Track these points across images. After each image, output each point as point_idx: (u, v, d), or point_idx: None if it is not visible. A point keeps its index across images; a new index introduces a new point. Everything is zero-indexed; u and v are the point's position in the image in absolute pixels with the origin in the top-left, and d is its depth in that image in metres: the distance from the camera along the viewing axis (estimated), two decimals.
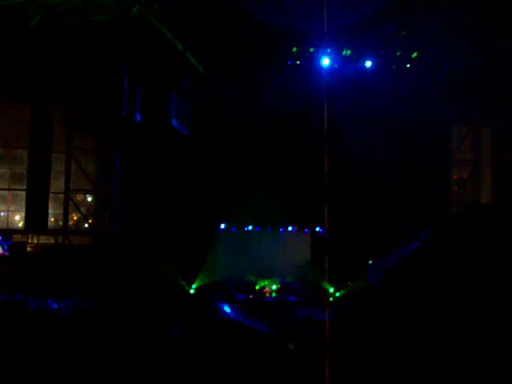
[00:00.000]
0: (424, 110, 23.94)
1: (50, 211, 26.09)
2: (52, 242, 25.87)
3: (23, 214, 25.99)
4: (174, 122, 22.40)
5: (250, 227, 25.67)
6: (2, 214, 26.33)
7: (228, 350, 15.16)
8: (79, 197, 26.54)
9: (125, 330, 16.68)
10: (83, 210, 26.38)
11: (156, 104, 22.06)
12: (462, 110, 25.73)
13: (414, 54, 24.15)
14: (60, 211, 25.86)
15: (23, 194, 25.95)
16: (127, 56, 21.88)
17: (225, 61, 23.44)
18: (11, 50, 22.73)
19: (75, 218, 26.48)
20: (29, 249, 25.32)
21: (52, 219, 26.30)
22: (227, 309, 19.32)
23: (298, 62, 24.14)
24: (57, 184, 25.83)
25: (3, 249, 23.66)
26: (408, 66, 24.33)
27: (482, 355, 11.25)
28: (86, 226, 26.43)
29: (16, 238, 25.26)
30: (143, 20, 22.13)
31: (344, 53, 23.86)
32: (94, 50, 22.31)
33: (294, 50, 23.90)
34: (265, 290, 24.61)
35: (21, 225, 26.16)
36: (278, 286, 24.72)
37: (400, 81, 23.85)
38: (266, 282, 24.79)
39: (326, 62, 22.68)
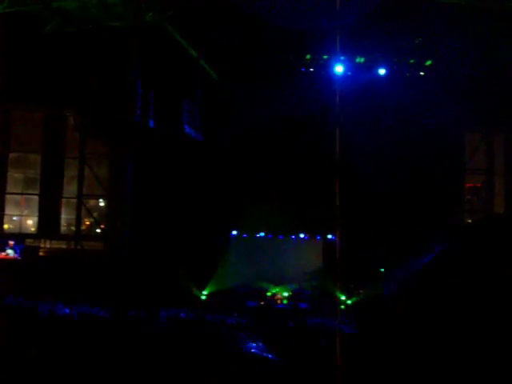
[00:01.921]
0: (437, 118, 23.89)
1: (63, 216, 26.22)
2: (64, 246, 25.97)
3: (36, 219, 26.12)
4: (187, 128, 22.45)
5: (262, 234, 25.66)
6: (15, 218, 26.46)
7: None
8: (92, 202, 26.59)
9: (134, 339, 16.62)
10: (96, 215, 26.44)
11: (169, 110, 22.11)
12: (475, 118, 25.65)
13: (428, 62, 24.10)
14: (72, 216, 25.93)
15: (36, 198, 26.10)
16: (141, 62, 21.94)
17: (238, 68, 23.46)
18: (25, 55, 22.84)
19: (87, 223, 26.56)
20: (41, 253, 25.41)
21: (64, 224, 26.41)
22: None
23: (311, 69, 24.15)
24: (69, 189, 25.92)
25: (16, 252, 23.75)
26: (421, 73, 24.28)
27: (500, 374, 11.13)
28: (99, 231, 26.50)
29: (29, 242, 25.39)
30: (157, 27, 22.18)
31: (358, 60, 23.84)
32: (108, 55, 22.37)
33: (308, 57, 23.89)
34: (276, 297, 24.57)
35: (33, 229, 26.28)
36: (290, 294, 24.69)
37: (413, 88, 23.77)
38: (277, 289, 24.76)
39: (339, 69, 22.68)
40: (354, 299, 23.20)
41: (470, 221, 26.71)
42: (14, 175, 26.19)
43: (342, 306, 22.63)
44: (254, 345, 16.19)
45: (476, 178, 27.24)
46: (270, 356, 15.77)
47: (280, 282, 24.94)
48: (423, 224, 23.32)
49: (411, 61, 24.14)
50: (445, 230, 21.52)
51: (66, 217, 26.30)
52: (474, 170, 26.92)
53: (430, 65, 24.14)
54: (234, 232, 25.47)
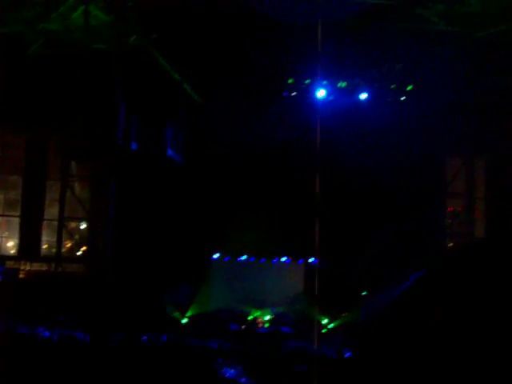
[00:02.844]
0: (418, 142, 24.05)
1: (44, 238, 26.01)
2: (45, 269, 25.79)
3: (16, 241, 25.94)
4: (170, 151, 22.53)
5: (244, 257, 25.64)
6: None
7: None
8: (73, 224, 26.48)
9: (114, 363, 16.52)
10: (77, 237, 26.33)
11: (152, 133, 22.20)
12: (456, 142, 25.88)
13: (409, 87, 24.33)
14: (53, 238, 25.76)
15: (17, 220, 25.91)
16: (124, 85, 22.01)
17: (221, 91, 23.58)
18: (7, 77, 22.81)
19: (68, 245, 26.42)
20: (21, 275, 25.20)
21: (45, 246, 26.22)
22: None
23: (293, 94, 24.29)
24: (51, 211, 25.76)
25: None
26: (403, 98, 24.49)
27: None
28: (80, 253, 26.36)
29: (9, 264, 25.18)
30: (141, 50, 22.30)
31: (339, 85, 24.01)
32: (91, 78, 22.42)
33: (290, 81, 24.05)
34: (258, 321, 24.51)
35: (14, 251, 26.08)
36: (272, 317, 24.63)
37: (395, 113, 23.97)
38: (259, 313, 24.70)
39: (321, 93, 22.93)
40: (336, 323, 23.18)
41: (451, 244, 26.87)
42: None
43: (324, 330, 22.64)
44: (231, 370, 16.12)
45: (457, 202, 27.40)
46: (244, 381, 15.73)
47: (262, 305, 24.85)
48: (405, 248, 23.41)
49: (392, 86, 24.34)
50: (425, 255, 21.59)
51: (46, 239, 26.10)
52: (454, 194, 27.10)
53: (411, 90, 24.36)
54: (216, 255, 25.42)
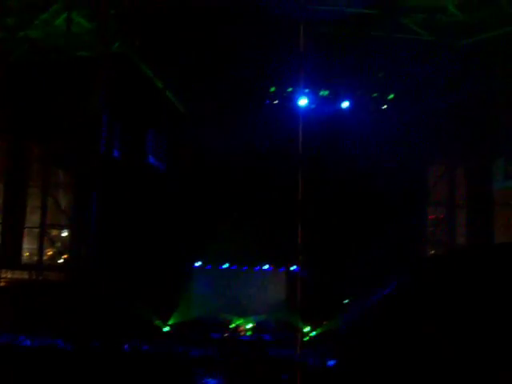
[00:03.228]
0: (400, 151, 24.16)
1: (25, 246, 25.92)
2: (26, 277, 25.62)
3: None
4: (152, 159, 22.48)
5: (226, 265, 25.61)
6: None
7: None
8: (55, 232, 26.41)
9: (95, 371, 16.44)
10: (58, 245, 26.25)
11: (134, 141, 22.15)
12: (438, 151, 26.05)
13: (391, 96, 24.48)
14: (35, 246, 25.68)
15: None
16: (106, 92, 21.95)
17: (204, 99, 23.60)
18: None
19: (50, 253, 26.32)
20: (2, 283, 25.05)
21: (26, 254, 26.11)
22: None
23: (275, 102, 24.36)
24: (32, 218, 25.68)
25: None
26: (384, 107, 24.63)
27: None
28: (61, 261, 26.25)
29: None
30: (124, 57, 22.28)
31: (321, 93, 24.12)
32: (74, 85, 22.34)
33: (272, 89, 24.13)
34: (240, 329, 24.49)
35: None
36: (254, 325, 24.61)
37: (376, 121, 24.08)
38: (241, 321, 24.67)
39: (303, 102, 23.03)
40: (318, 331, 23.19)
41: (432, 252, 27.02)
42: None
43: (307, 338, 22.65)
44: (211, 380, 16.09)
45: (438, 210, 27.57)
46: None
47: (244, 313, 24.83)
48: (387, 255, 23.49)
49: (374, 94, 24.48)
50: (405, 263, 21.70)
51: (28, 247, 26.02)
52: (436, 202, 27.26)
53: (393, 98, 24.50)
54: (198, 263, 25.38)
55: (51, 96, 22.71)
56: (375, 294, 19.26)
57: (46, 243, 25.49)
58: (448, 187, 27.19)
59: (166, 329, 23.82)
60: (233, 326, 24.56)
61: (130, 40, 22.03)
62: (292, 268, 25.06)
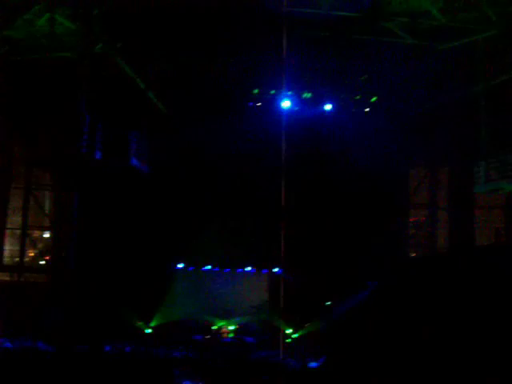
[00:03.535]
0: (382, 153, 24.25)
1: (6, 247, 25.71)
2: (7, 278, 25.46)
3: None
4: (134, 161, 22.35)
5: (208, 267, 25.58)
6: None
7: None
8: (36, 233, 26.25)
9: (77, 374, 16.35)
10: (40, 246, 26.09)
11: (116, 142, 22.00)
12: (420, 153, 26.18)
13: (373, 99, 24.58)
14: (16, 247, 25.52)
15: None
16: (89, 93, 21.84)
17: (186, 100, 23.57)
18: None
19: (32, 254, 26.16)
20: None
21: (8, 255, 25.92)
22: None
23: (258, 104, 24.39)
24: (14, 220, 25.50)
25: None
26: (367, 109, 24.71)
27: None
28: (43, 263, 26.10)
29: None
30: (106, 58, 22.21)
31: (304, 95, 24.16)
32: (56, 86, 22.24)
33: (255, 91, 24.16)
34: (222, 331, 24.48)
35: None
36: (236, 327, 24.61)
37: (359, 124, 24.17)
38: (223, 323, 24.67)
39: (286, 104, 23.07)
40: (300, 333, 23.22)
41: (413, 255, 27.15)
42: None
43: (289, 340, 22.68)
44: (189, 382, 16.05)
45: (420, 213, 27.69)
46: None
47: (226, 315, 24.83)
48: (369, 258, 23.56)
49: (357, 97, 24.57)
50: (386, 265, 21.80)
51: (9, 248, 25.82)
52: (418, 204, 27.37)
53: (376, 101, 24.60)
54: (180, 265, 25.34)
55: (33, 97, 22.58)
56: (355, 296, 19.38)
57: (27, 245, 25.32)
58: (430, 190, 27.31)
59: (148, 330, 23.78)
60: (215, 327, 24.57)
61: (112, 41, 21.93)
62: (274, 270, 25.11)
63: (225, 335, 24.36)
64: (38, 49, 22.04)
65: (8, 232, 25.64)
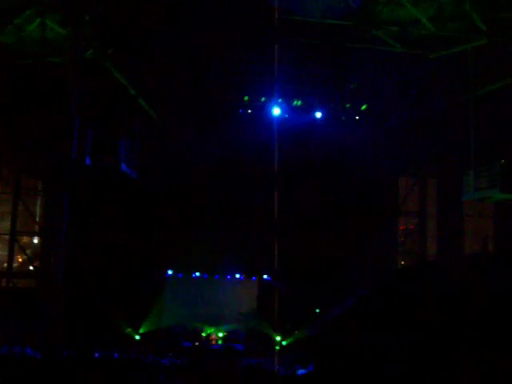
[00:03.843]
0: (372, 161, 24.33)
1: None
2: None
3: None
4: (124, 166, 22.30)
5: (198, 274, 25.54)
6: None
7: None
8: (25, 239, 26.18)
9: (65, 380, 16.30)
10: (29, 252, 26.00)
11: (106, 147, 21.94)
12: (409, 162, 26.27)
13: (364, 107, 24.65)
14: (5, 252, 25.44)
15: None
16: (79, 98, 21.80)
17: (177, 107, 23.58)
18: None
19: (20, 260, 26.08)
20: None
21: None
22: None
23: (249, 111, 24.41)
24: (3, 225, 25.46)
25: None
26: (357, 117, 24.78)
27: None
28: (32, 268, 26.00)
29: None
30: (97, 64, 22.18)
31: (295, 103, 24.22)
32: (46, 91, 22.19)
33: (246, 98, 24.20)
34: (211, 338, 24.44)
35: None
36: (225, 334, 24.58)
37: (349, 132, 24.25)
38: (212, 330, 24.63)
39: (276, 111, 23.10)
40: (289, 340, 23.21)
41: (402, 263, 27.24)
42: None
43: (277, 347, 22.66)
44: None
45: (409, 221, 27.79)
46: None
47: (215, 322, 24.80)
48: (358, 265, 23.62)
49: (347, 105, 24.64)
50: (377, 272, 21.87)
51: None
52: (407, 212, 27.48)
53: (366, 109, 24.66)
54: (170, 271, 25.30)
55: (23, 101, 22.51)
56: (342, 304, 19.44)
57: (16, 250, 25.23)
58: (419, 198, 27.42)
59: (137, 337, 23.70)
60: (204, 334, 24.53)
61: (103, 47, 21.92)
62: (264, 277, 25.10)
63: (214, 342, 24.33)
64: (28, 54, 21.99)
65: None
